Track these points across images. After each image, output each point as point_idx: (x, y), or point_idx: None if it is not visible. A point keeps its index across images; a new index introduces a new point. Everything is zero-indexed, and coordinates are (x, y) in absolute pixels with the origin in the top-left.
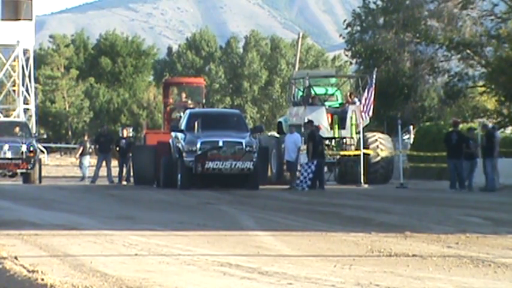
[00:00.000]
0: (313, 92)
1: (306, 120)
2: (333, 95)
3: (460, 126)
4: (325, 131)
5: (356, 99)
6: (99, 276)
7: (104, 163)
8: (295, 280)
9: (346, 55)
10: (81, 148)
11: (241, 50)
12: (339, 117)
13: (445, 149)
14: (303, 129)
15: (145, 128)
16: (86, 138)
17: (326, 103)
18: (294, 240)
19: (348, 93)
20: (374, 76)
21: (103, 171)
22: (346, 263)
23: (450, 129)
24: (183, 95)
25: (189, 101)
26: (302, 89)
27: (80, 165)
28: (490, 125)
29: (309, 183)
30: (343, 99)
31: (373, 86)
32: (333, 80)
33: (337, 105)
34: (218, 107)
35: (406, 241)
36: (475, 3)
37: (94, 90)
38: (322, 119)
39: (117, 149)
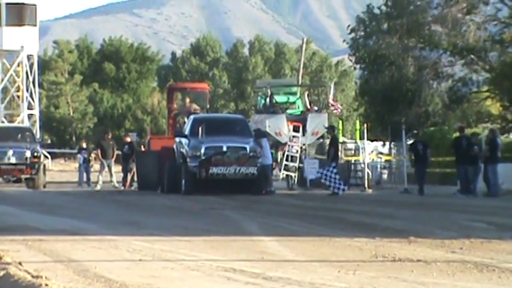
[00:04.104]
0: (273, 100)
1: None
2: (294, 103)
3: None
4: (285, 138)
5: (315, 108)
6: (103, 282)
7: (106, 168)
8: (299, 285)
9: (350, 60)
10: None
11: (246, 55)
12: (300, 125)
13: (453, 154)
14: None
15: (149, 134)
16: (85, 145)
17: (288, 111)
18: (298, 245)
19: (308, 102)
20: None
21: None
22: (351, 268)
23: (457, 135)
24: (187, 100)
25: (195, 106)
26: (264, 98)
27: (82, 170)
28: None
29: (343, 184)
30: (304, 108)
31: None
32: (295, 89)
33: (299, 113)
34: (222, 112)
35: (410, 246)
36: (478, 9)
37: (98, 96)
38: (282, 126)
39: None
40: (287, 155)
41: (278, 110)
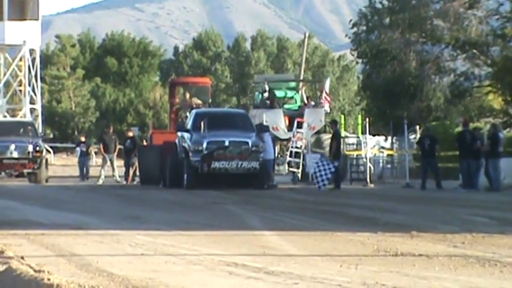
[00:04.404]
0: (268, 95)
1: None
2: (292, 98)
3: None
4: (282, 133)
5: (313, 103)
6: (105, 276)
7: (108, 163)
8: (301, 280)
9: (352, 55)
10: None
11: (248, 49)
12: (296, 120)
13: (457, 148)
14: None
15: (151, 128)
16: (83, 139)
17: (285, 106)
18: (300, 239)
19: (306, 97)
20: (328, 81)
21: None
22: (352, 263)
23: (462, 129)
24: (187, 95)
25: (197, 101)
26: (261, 92)
27: (81, 165)
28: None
29: (326, 183)
30: (302, 102)
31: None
32: (293, 84)
33: (296, 108)
34: (224, 106)
35: (412, 241)
36: (480, 3)
37: (100, 90)
38: (279, 121)
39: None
40: (291, 151)
41: (275, 104)
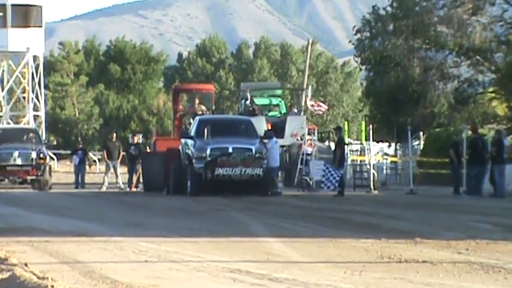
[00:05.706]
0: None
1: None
2: (277, 105)
3: (469, 132)
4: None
5: (295, 110)
6: (109, 283)
7: (112, 170)
8: (305, 286)
9: (356, 61)
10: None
11: (251, 56)
12: (279, 127)
13: (469, 155)
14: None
15: (155, 135)
16: (80, 147)
17: (270, 113)
18: (303, 246)
19: (289, 104)
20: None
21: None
22: (356, 269)
23: (473, 136)
24: (196, 101)
25: (203, 107)
26: (244, 100)
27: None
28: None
29: (336, 185)
30: (287, 110)
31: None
32: (279, 92)
33: (279, 116)
34: (228, 113)
35: (416, 247)
36: (484, 9)
37: (104, 97)
38: (261, 128)
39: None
40: (302, 158)
41: (258, 112)
